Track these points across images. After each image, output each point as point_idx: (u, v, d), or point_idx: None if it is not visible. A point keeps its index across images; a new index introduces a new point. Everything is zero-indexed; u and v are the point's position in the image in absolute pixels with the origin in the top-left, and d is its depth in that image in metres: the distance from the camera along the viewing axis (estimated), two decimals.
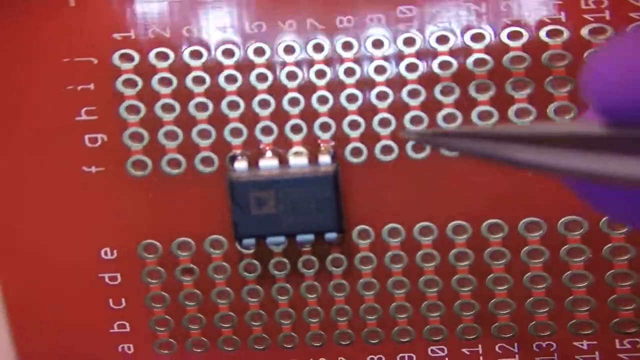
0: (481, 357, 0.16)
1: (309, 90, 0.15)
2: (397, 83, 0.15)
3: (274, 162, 0.15)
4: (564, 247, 0.15)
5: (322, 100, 0.15)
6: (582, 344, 0.16)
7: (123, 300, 0.16)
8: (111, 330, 0.16)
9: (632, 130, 0.09)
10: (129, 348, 0.16)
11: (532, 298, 0.16)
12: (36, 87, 0.15)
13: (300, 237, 0.15)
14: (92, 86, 0.15)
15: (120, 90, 0.15)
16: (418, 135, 0.10)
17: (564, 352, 0.16)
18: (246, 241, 0.15)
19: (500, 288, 0.16)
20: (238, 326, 0.16)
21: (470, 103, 0.15)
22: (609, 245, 0.15)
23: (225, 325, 0.16)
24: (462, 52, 0.15)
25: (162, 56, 0.15)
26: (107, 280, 0.16)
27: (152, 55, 0.15)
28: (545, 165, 0.10)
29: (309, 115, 0.15)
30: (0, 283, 0.15)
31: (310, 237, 0.15)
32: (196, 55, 0.15)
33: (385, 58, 0.15)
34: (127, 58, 0.15)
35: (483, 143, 0.10)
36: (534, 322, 0.16)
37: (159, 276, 0.16)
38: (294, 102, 0.15)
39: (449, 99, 0.15)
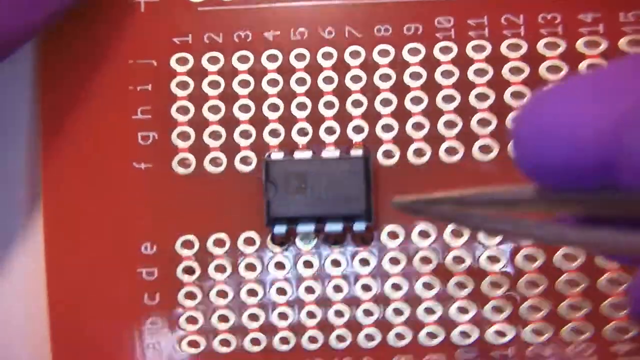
0: None
1: (344, 94, 0.16)
2: (432, 88, 0.16)
3: (308, 153, 0.15)
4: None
5: (356, 103, 0.16)
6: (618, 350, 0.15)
7: (157, 295, 0.16)
8: (142, 327, 0.16)
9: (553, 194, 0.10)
10: (157, 344, 0.16)
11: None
12: (101, 85, 0.17)
13: (329, 227, 0.15)
14: (149, 87, 0.17)
15: (173, 92, 0.17)
16: (401, 205, 0.11)
17: None
18: (277, 228, 0.15)
19: (535, 291, 0.15)
20: (264, 324, 0.16)
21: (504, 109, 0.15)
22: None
23: (252, 325, 0.16)
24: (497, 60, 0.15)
25: (213, 60, 0.17)
26: (144, 275, 0.16)
27: (204, 59, 0.16)
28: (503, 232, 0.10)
29: (342, 118, 0.16)
30: (46, 271, 0.16)
31: (338, 227, 0.15)
32: (243, 60, 0.16)
33: (421, 64, 0.16)
34: (183, 61, 0.17)
35: (455, 211, 0.11)
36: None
37: (193, 272, 0.16)
38: (329, 105, 0.16)
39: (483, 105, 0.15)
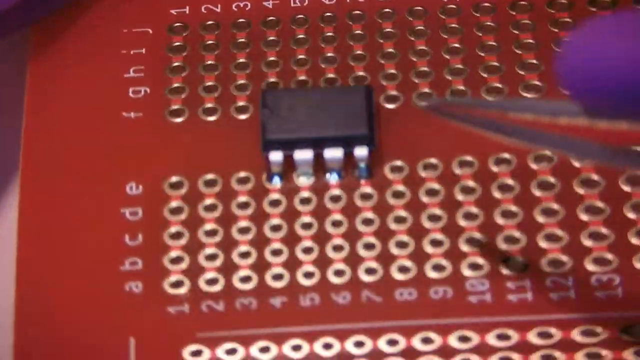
0: (529, 292, 0.14)
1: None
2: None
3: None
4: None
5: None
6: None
7: (140, 235, 0.15)
8: (121, 268, 0.15)
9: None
10: (137, 286, 0.15)
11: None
12: (94, 52, 0.17)
13: (328, 152, 0.15)
14: (143, 50, 0.17)
15: (168, 55, 0.16)
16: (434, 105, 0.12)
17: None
18: (273, 155, 0.15)
19: (550, 220, 0.14)
20: (256, 262, 0.15)
21: None
22: None
23: (243, 262, 0.15)
24: None
25: (211, 28, 0.17)
26: (127, 215, 0.15)
27: (200, 27, 0.17)
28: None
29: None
30: (20, 202, 0.15)
31: (338, 152, 0.15)
32: (242, 26, 0.17)
33: None
34: (179, 30, 0.17)
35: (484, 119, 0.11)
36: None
37: (180, 212, 0.15)
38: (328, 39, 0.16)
39: None
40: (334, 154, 0.15)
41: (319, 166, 0.15)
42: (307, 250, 0.15)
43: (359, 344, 0.14)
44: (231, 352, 0.14)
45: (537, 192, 0.15)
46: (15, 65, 0.17)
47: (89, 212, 0.15)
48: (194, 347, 0.14)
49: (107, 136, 0.16)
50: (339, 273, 0.14)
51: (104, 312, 0.14)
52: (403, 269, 0.14)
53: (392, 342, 0.14)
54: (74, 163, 0.16)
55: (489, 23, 0.16)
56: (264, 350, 0.14)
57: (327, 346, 0.14)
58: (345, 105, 0.15)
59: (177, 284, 0.15)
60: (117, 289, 0.15)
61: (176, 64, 0.16)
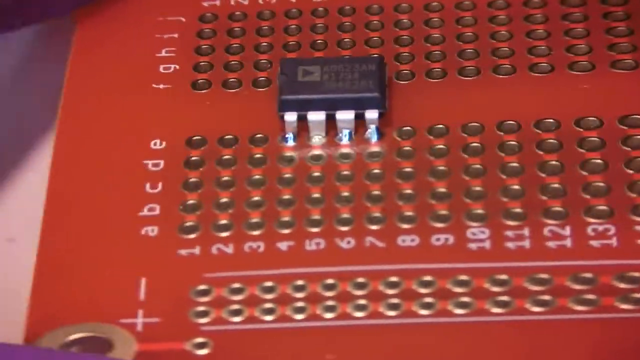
0: (527, 240, 0.14)
1: None
2: None
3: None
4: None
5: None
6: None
7: (160, 184, 0.16)
8: (140, 213, 0.16)
9: None
10: (152, 230, 0.15)
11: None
12: (131, 35, 0.18)
13: (340, 115, 0.16)
14: (176, 35, 0.18)
15: (197, 39, 0.18)
16: None
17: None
18: (288, 115, 0.16)
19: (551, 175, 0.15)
20: (265, 210, 0.15)
21: None
22: None
23: (254, 211, 0.15)
24: None
25: (238, 17, 0.18)
26: (150, 166, 0.16)
27: (228, 17, 0.18)
28: None
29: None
30: (55, 148, 0.16)
31: (350, 115, 0.16)
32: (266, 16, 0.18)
33: None
34: (209, 18, 0.18)
35: None
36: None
37: (199, 165, 0.16)
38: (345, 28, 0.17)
39: None
40: (346, 116, 0.16)
41: (332, 130, 0.16)
42: (315, 201, 0.15)
43: (361, 285, 0.14)
44: (237, 291, 0.14)
45: (540, 151, 0.15)
46: (62, 42, 0.18)
47: (115, 162, 0.16)
48: (201, 286, 0.15)
49: (138, 102, 0.17)
50: (344, 221, 0.15)
51: (119, 253, 0.15)
52: (406, 219, 0.15)
53: (392, 285, 0.14)
54: (107, 122, 0.17)
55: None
56: (268, 290, 0.14)
57: (329, 287, 0.14)
58: (360, 72, 0.16)
59: (191, 229, 0.15)
60: (134, 232, 0.15)
61: (204, 46, 0.18)
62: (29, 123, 0.18)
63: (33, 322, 0.14)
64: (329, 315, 0.14)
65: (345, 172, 0.16)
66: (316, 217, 0.15)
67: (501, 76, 0.17)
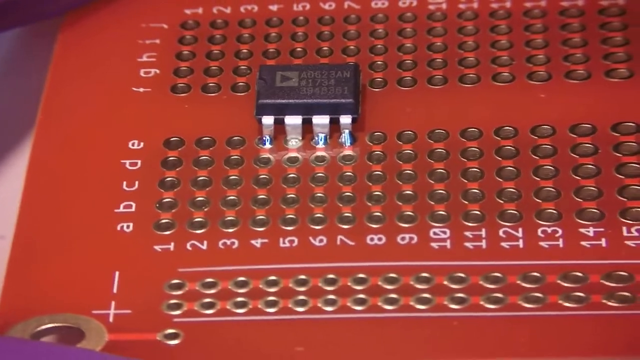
0: (484, 240, 0.15)
1: None
2: None
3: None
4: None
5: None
6: (588, 231, 0.15)
7: (136, 183, 0.16)
8: (116, 210, 0.16)
9: None
10: (128, 227, 0.16)
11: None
12: (114, 39, 0.18)
13: (316, 119, 0.16)
14: (157, 41, 0.18)
15: (179, 45, 0.18)
16: None
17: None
18: (265, 119, 0.16)
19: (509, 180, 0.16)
20: (241, 209, 0.16)
21: None
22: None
23: (229, 209, 0.16)
24: None
25: (219, 25, 0.18)
26: (127, 165, 0.16)
27: (209, 25, 0.18)
28: None
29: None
30: (33, 146, 0.17)
31: (325, 119, 0.16)
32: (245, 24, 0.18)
33: None
34: (191, 26, 0.19)
35: None
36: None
37: (175, 165, 0.16)
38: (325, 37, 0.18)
39: None
40: (321, 120, 0.16)
41: (307, 134, 0.16)
42: (290, 201, 0.16)
43: (331, 281, 0.15)
44: (210, 285, 0.15)
45: (498, 158, 0.16)
46: (46, 43, 0.19)
47: (92, 161, 0.16)
48: (174, 280, 0.15)
49: (117, 104, 0.17)
50: (317, 220, 0.15)
51: (93, 247, 0.15)
52: (375, 219, 0.15)
53: (360, 281, 0.15)
54: (86, 122, 0.17)
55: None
56: (241, 284, 0.15)
57: (301, 282, 0.15)
58: (335, 79, 0.16)
59: (166, 226, 0.15)
60: (109, 228, 0.16)
61: (185, 52, 0.18)
62: (14, 123, 0.18)
63: (5, 312, 0.15)
64: (299, 309, 0.14)
65: (320, 174, 0.16)
66: (291, 216, 0.15)
67: (467, 85, 0.17)
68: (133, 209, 0.16)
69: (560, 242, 0.15)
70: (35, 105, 0.18)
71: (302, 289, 0.15)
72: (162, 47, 0.18)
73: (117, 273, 0.15)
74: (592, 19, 0.18)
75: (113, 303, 0.15)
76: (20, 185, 0.16)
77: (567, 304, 0.14)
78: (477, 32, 0.18)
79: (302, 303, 0.14)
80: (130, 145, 0.17)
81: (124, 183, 0.16)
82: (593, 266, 0.14)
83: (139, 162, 0.16)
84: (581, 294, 0.14)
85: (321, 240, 0.15)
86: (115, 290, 0.15)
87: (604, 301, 0.14)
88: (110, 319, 0.14)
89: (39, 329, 0.14)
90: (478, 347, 0.14)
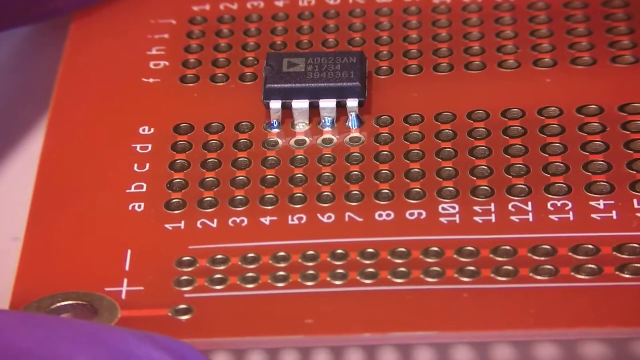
0: (493, 215, 0.15)
1: None
2: None
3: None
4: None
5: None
6: (598, 204, 0.15)
7: (147, 164, 0.16)
8: (127, 190, 0.16)
9: None
10: (139, 206, 0.16)
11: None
12: (124, 34, 0.19)
13: (323, 103, 0.16)
14: (166, 35, 0.19)
15: (187, 39, 0.19)
16: None
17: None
18: (273, 104, 0.16)
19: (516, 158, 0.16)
20: (249, 189, 0.16)
21: None
22: None
23: (237, 188, 0.16)
24: None
25: (225, 20, 0.19)
26: (138, 149, 0.17)
27: (216, 20, 0.19)
28: None
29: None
30: (47, 130, 0.17)
31: (332, 103, 0.16)
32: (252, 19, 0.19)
33: None
34: (199, 21, 0.19)
35: None
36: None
37: (185, 149, 0.17)
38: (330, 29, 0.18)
39: None
40: (328, 104, 0.16)
41: (315, 117, 0.17)
42: (298, 180, 0.16)
43: (340, 256, 0.15)
44: (220, 262, 0.15)
45: (505, 137, 0.16)
46: (56, 41, 0.19)
47: (104, 145, 0.17)
48: (185, 257, 0.15)
49: (127, 94, 0.18)
50: (325, 198, 0.16)
51: (105, 226, 0.16)
52: (383, 196, 0.16)
53: (369, 255, 0.15)
54: (97, 110, 0.17)
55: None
56: (251, 260, 0.15)
57: (310, 257, 0.15)
58: (342, 64, 0.17)
59: (176, 206, 0.16)
60: (121, 207, 0.16)
61: (193, 45, 0.18)
62: (26, 118, 0.19)
63: (20, 290, 0.15)
64: (309, 283, 0.14)
65: (327, 155, 0.16)
66: (299, 194, 0.16)
67: (473, 72, 0.17)
68: (144, 189, 0.16)
69: (571, 215, 0.15)
70: (46, 101, 0.18)
71: (311, 263, 0.15)
72: (171, 41, 0.19)
73: (129, 251, 0.15)
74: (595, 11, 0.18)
75: (125, 280, 0.15)
76: (32, 176, 0.17)
77: (578, 276, 0.14)
78: (482, 24, 0.18)
79: (312, 277, 0.15)
80: (140, 131, 0.17)
81: (135, 165, 0.16)
82: (604, 238, 0.15)
83: (150, 145, 0.17)
84: (592, 266, 0.14)
85: (329, 217, 0.15)
86: (127, 268, 0.15)
87: (617, 272, 0.14)
88: (123, 296, 0.15)
89: (53, 306, 0.14)
90: (488, 318, 0.14)
